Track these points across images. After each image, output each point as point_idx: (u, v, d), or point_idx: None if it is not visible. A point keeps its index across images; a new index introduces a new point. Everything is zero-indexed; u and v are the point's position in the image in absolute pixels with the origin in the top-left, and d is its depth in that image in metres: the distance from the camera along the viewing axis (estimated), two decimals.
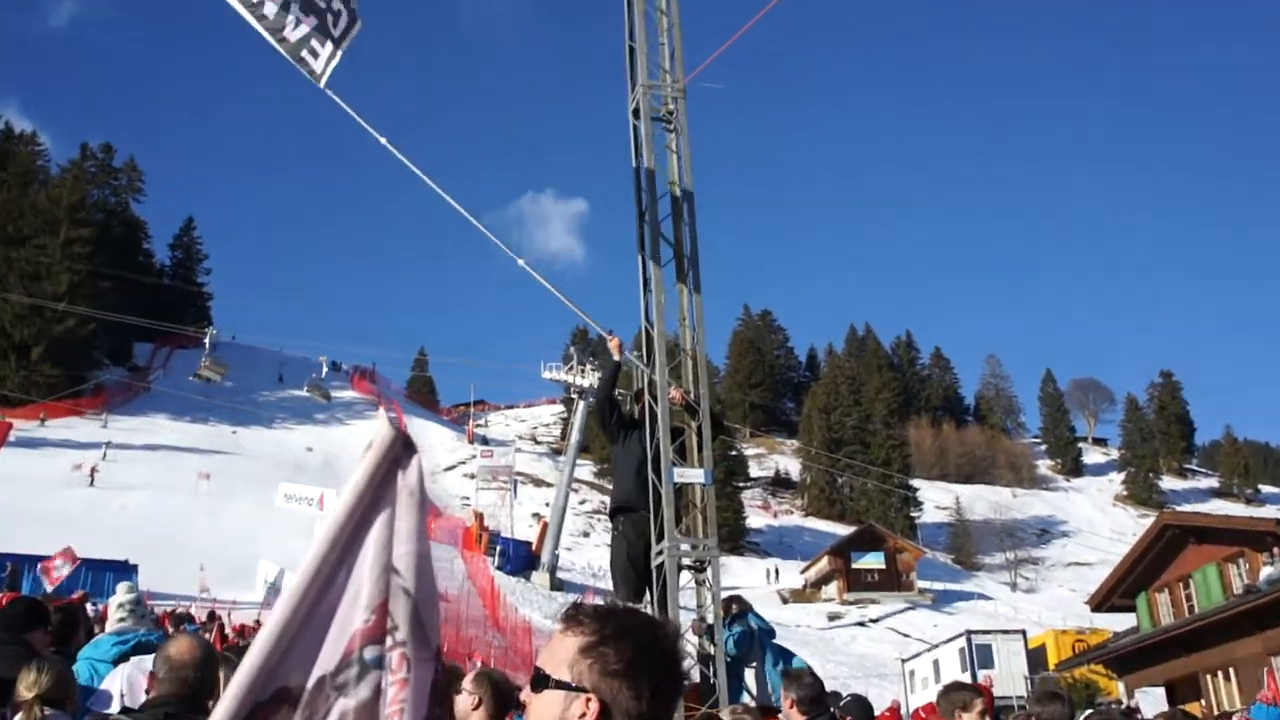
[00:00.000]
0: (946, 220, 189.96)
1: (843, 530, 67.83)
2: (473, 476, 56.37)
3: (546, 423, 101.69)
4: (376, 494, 0.92)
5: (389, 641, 0.87)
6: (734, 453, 74.36)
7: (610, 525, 6.39)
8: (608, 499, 7.48)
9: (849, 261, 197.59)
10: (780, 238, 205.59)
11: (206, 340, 52.67)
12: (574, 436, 44.62)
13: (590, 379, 46.13)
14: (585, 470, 71.99)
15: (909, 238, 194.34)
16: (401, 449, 0.94)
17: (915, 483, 79.34)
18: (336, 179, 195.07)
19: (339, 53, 4.98)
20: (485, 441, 67.39)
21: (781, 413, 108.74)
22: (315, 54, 4.91)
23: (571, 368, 47.14)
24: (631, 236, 6.72)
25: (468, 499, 56.42)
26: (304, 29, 4.90)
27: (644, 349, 6.53)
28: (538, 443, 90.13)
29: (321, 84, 4.96)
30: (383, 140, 5.34)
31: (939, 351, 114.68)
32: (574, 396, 47.44)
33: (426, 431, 74.42)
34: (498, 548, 41.08)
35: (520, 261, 6.19)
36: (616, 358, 6.47)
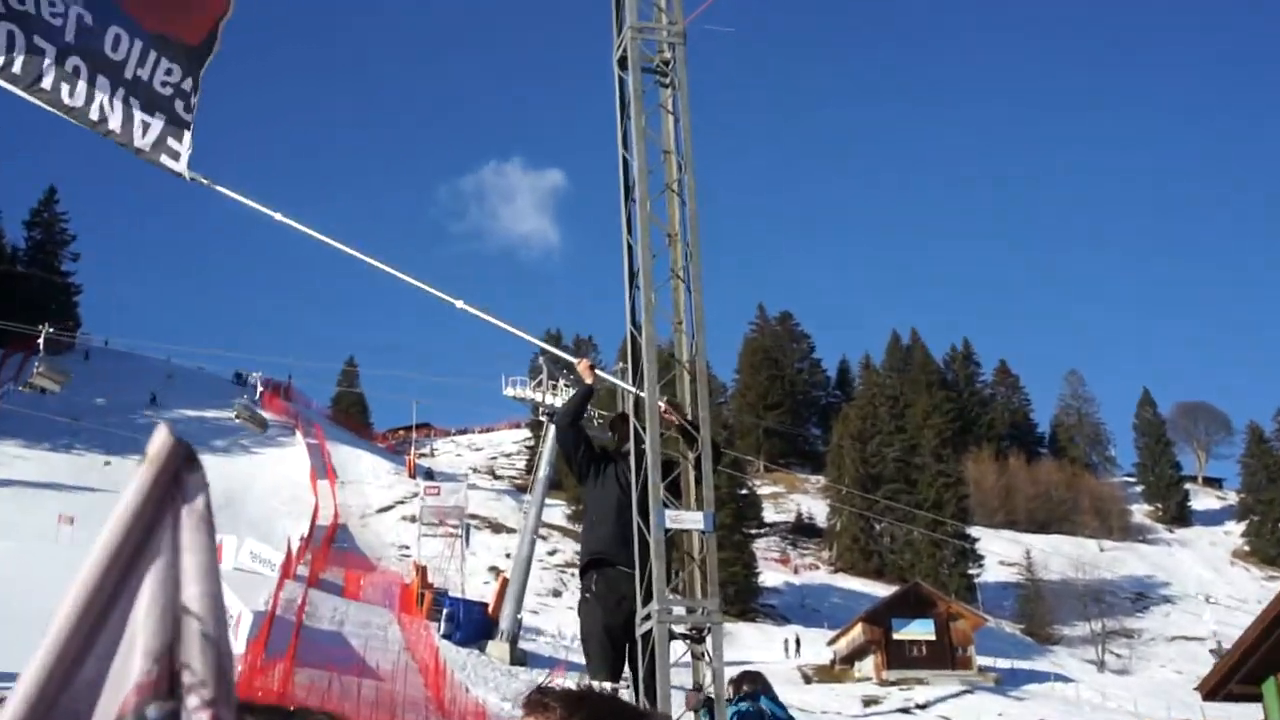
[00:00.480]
0: (1014, 202, 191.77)
1: (881, 590, 67.92)
2: (414, 520, 56.17)
3: (508, 452, 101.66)
4: (153, 519, 0.91)
5: (184, 697, 0.85)
6: (744, 491, 74.48)
7: (581, 585, 6.37)
8: (578, 549, 7.54)
9: (891, 252, 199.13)
10: (804, 221, 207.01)
11: (40, 340, 50.53)
12: (542, 469, 44.54)
13: (565, 397, 46.03)
14: (556, 512, 71.99)
15: (967, 225, 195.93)
16: (183, 463, 0.93)
17: (974, 531, 79.65)
18: (239, 136, 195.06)
19: (188, 133, 5.43)
20: (430, 475, 67.33)
21: (805, 441, 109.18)
22: (175, 155, 5.33)
23: (541, 382, 47.10)
24: (616, 217, 6.78)
25: (407, 548, 56.28)
26: (154, 132, 5.27)
27: (629, 359, 6.58)
28: (497, 477, 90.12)
29: (188, 179, 5.37)
30: (277, 216, 5.79)
31: (1004, 366, 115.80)
32: (543, 419, 47.37)
33: (356, 463, 74.39)
34: (445, 610, 40.87)
35: (459, 304, 6.48)
36: (588, 379, 6.56)
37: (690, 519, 5.94)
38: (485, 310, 6.57)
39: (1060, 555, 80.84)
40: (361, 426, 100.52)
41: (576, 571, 6.85)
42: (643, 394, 6.12)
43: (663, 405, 6.20)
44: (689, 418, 6.35)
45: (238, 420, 64.36)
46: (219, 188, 5.57)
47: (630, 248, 6.68)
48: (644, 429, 6.09)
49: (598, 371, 6.74)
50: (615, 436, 6.79)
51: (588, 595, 6.25)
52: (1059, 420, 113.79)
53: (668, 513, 5.88)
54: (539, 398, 46.87)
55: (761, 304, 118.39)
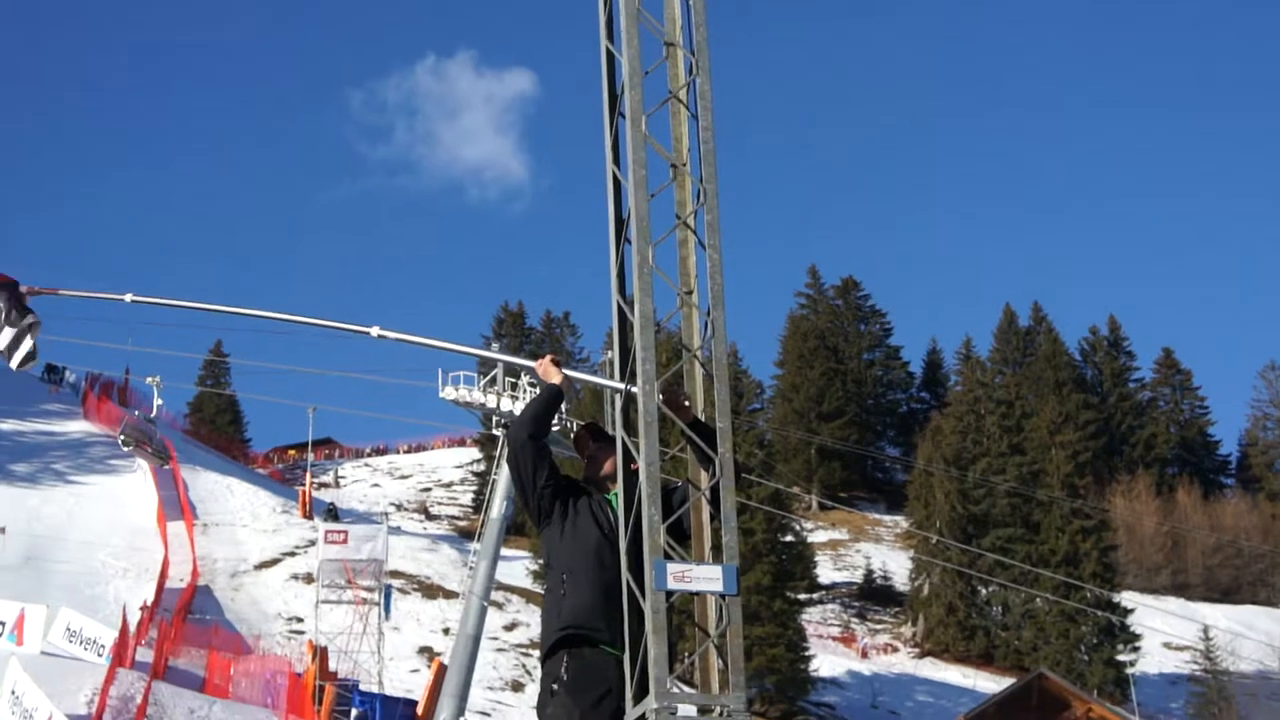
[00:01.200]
0: (1173, 125, 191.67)
1: (990, 683, 67.88)
2: (309, 580, 56.15)
3: (448, 481, 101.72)
4: None
5: None
6: (789, 538, 74.49)
7: (545, 672, 6.40)
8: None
9: (1002, 194, 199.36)
10: (870, 150, 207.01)
11: None
12: (497, 506, 44.52)
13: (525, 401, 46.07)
14: (518, 568, 72.07)
15: (1109, 160, 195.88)
16: None
17: (1126, 599, 79.68)
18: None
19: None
20: (334, 515, 67.37)
21: (876, 466, 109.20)
22: None
23: (495, 380, 47.06)
24: (600, 140, 6.80)
25: (300, 621, 56.20)
26: None
27: (615, 346, 6.61)
28: (431, 517, 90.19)
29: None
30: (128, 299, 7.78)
31: (1169, 357, 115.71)
32: (499, 433, 47.30)
33: (225, 496, 74.40)
34: (354, 712, 41.02)
35: (374, 332, 7.17)
36: (554, 379, 6.71)
37: (704, 577, 5.96)
38: (409, 334, 7.24)
39: (1255, 635, 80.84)
40: (234, 443, 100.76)
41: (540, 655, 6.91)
42: (635, 391, 6.14)
43: (660, 398, 6.18)
44: (701, 424, 6.36)
45: (126, 446, 63.67)
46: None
47: (618, 184, 6.69)
48: (637, 444, 6.11)
49: (569, 373, 6.79)
50: (586, 459, 6.83)
51: (556, 687, 6.26)
52: (1251, 437, 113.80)
53: (671, 567, 5.88)
54: (492, 402, 46.74)
55: (814, 267, 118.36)
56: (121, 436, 63.49)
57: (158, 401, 65.47)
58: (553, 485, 6.55)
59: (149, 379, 65.14)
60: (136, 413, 66.45)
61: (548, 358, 6.80)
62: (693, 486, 6.34)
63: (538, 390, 6.91)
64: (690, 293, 6.52)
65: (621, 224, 6.59)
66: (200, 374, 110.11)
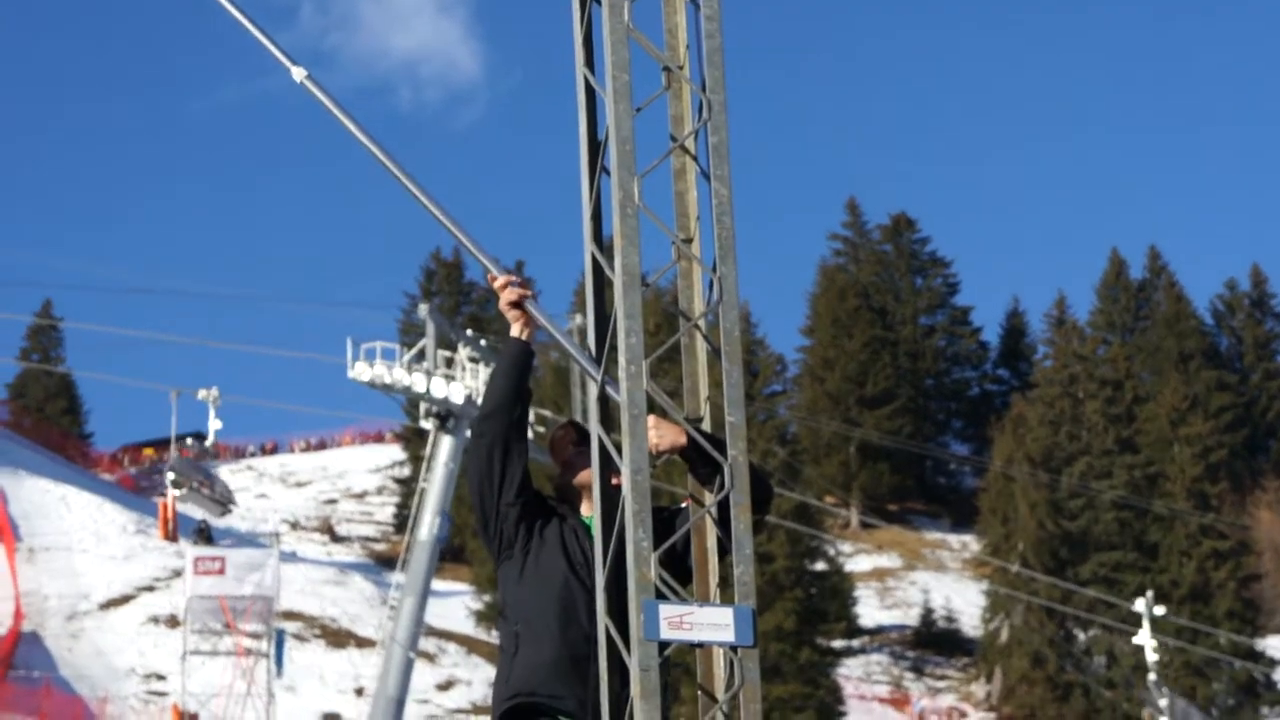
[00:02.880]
0: None
1: None
2: (174, 624, 56.12)
3: (360, 490, 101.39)
4: None
5: None
6: (821, 567, 74.70)
7: None
8: (491, 677, 7.64)
9: (1106, 102, 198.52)
10: (927, 45, 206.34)
11: None
12: (427, 525, 44.67)
13: (471, 382, 46.43)
14: (455, 608, 72.02)
15: (1254, 58, 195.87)
16: None
17: (1273, 645, 79.99)
18: None
19: None
20: (207, 537, 67.27)
21: (938, 469, 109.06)
22: None
23: (423, 353, 47.10)
24: (569, 34, 6.79)
25: (161, 679, 56.18)
26: None
27: (590, 310, 6.63)
28: (337, 539, 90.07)
29: None
30: None
31: None
32: (429, 425, 47.28)
33: (60, 510, 74.29)
34: None
35: (298, 74, 7.19)
36: (517, 331, 6.57)
37: (709, 622, 5.98)
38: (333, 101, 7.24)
39: None
40: (70, 439, 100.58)
41: None
42: (619, 376, 6.16)
43: (653, 422, 6.20)
44: (703, 421, 6.39)
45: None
46: None
47: (592, 93, 6.70)
48: (617, 444, 6.14)
49: (532, 310, 6.70)
50: (562, 467, 6.82)
51: None
52: None
53: (664, 609, 5.90)
54: (419, 384, 46.80)
55: (854, 201, 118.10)
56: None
57: None
58: (520, 504, 6.52)
59: None
60: None
61: (506, 278, 6.63)
62: (694, 502, 6.35)
63: (500, 358, 6.79)
64: (689, 240, 6.53)
65: (597, 148, 6.60)
66: (24, 345, 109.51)
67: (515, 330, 6.58)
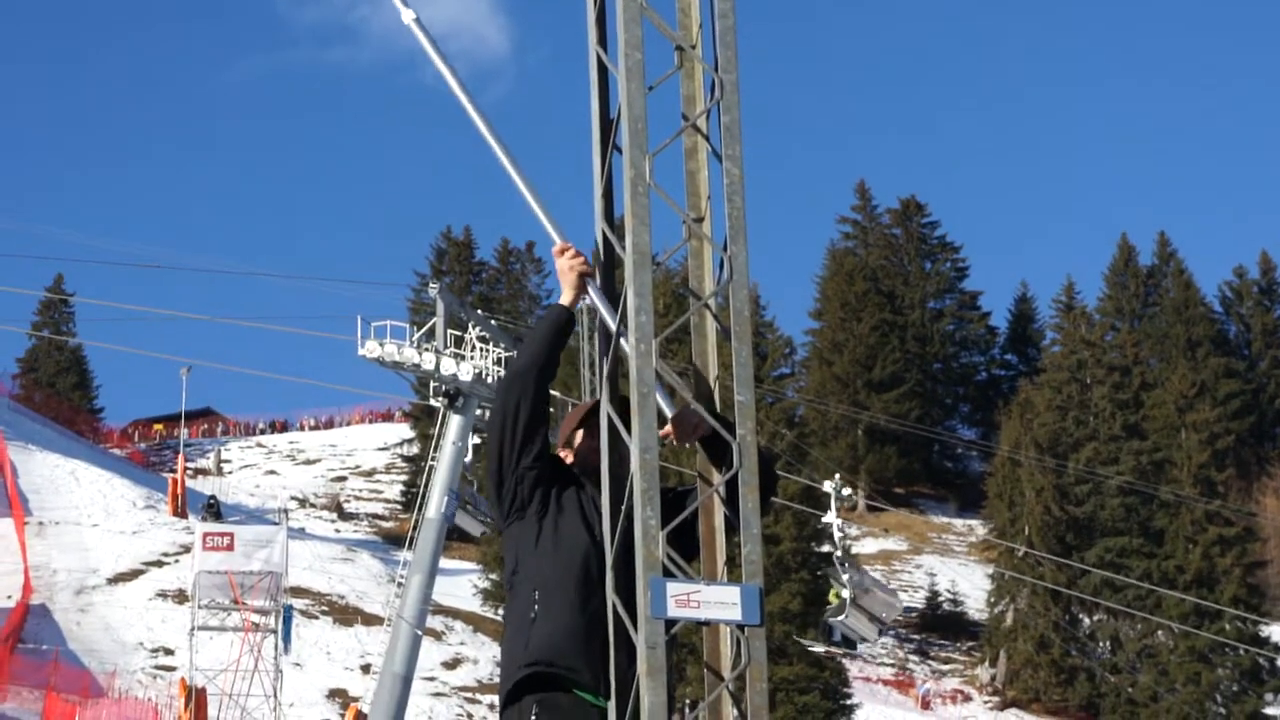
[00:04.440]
0: None
1: None
2: (182, 599, 56.17)
3: (366, 467, 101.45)
4: None
5: None
6: (827, 549, 74.58)
7: None
8: (498, 656, 7.64)
9: (1115, 83, 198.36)
10: (939, 29, 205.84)
11: None
12: (435, 503, 44.64)
13: (480, 361, 46.37)
14: (463, 585, 72.08)
15: (1268, 38, 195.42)
16: None
17: (1278, 631, 79.89)
18: None
19: None
20: (216, 512, 67.37)
21: (945, 453, 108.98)
22: None
23: (433, 332, 47.06)
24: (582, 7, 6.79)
25: (169, 654, 56.21)
26: None
27: (601, 291, 6.62)
28: (345, 517, 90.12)
29: None
30: None
31: None
32: (439, 404, 47.20)
33: (70, 484, 74.38)
34: None
35: (409, 18, 7.76)
36: (567, 300, 6.54)
37: (716, 600, 5.98)
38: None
39: None
40: (80, 414, 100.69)
41: (497, 701, 6.94)
42: (628, 353, 6.16)
43: (662, 370, 6.20)
44: (714, 403, 6.38)
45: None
46: None
47: (604, 71, 6.69)
48: (626, 422, 6.13)
49: (590, 284, 6.58)
50: (583, 444, 6.80)
51: None
52: None
53: (671, 587, 5.90)
54: (428, 362, 46.77)
55: (863, 184, 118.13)
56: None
57: None
58: (539, 466, 6.50)
59: None
60: None
61: (569, 251, 6.61)
62: (702, 480, 6.35)
63: (540, 323, 6.75)
64: (700, 220, 6.53)
65: (609, 126, 6.59)
66: (34, 319, 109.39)
67: (566, 298, 6.55)
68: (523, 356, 6.65)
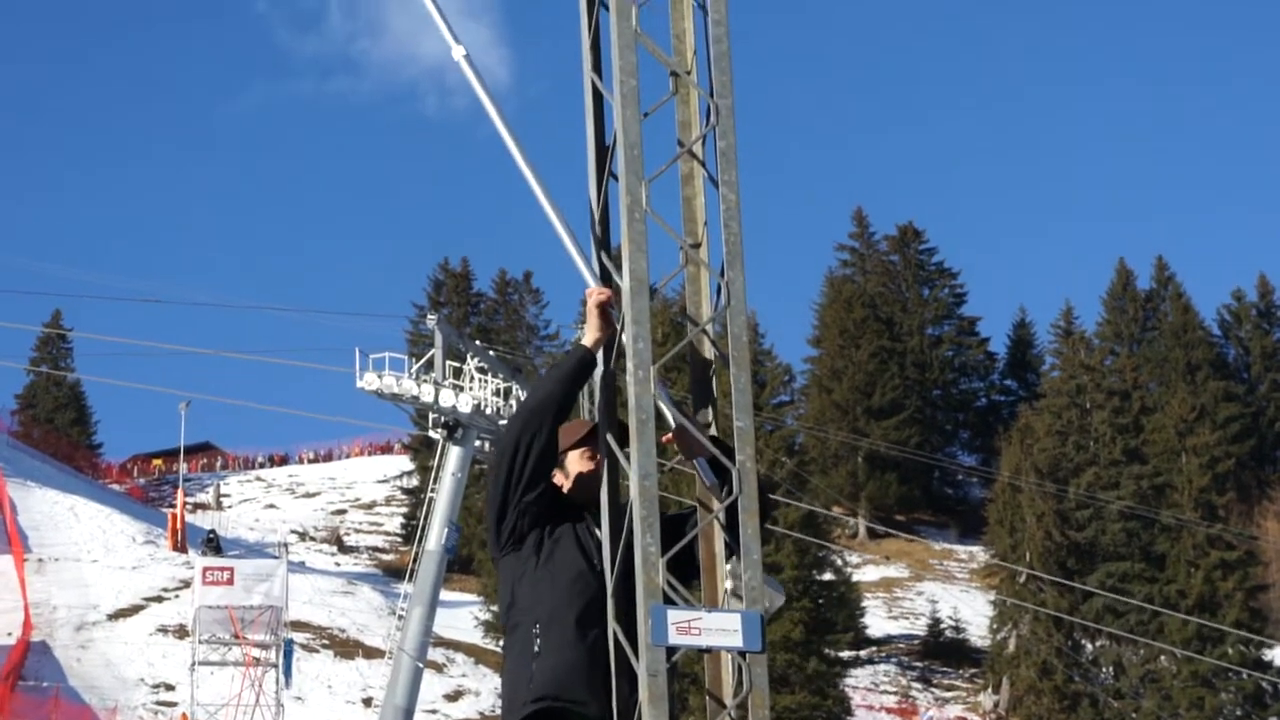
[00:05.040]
0: None
1: None
2: (182, 634, 56.06)
3: (366, 500, 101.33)
4: None
5: None
6: (827, 577, 74.59)
7: None
8: (499, 686, 7.62)
9: (1112, 108, 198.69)
10: (937, 52, 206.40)
11: None
12: (435, 534, 44.62)
13: (479, 392, 46.32)
14: (463, 616, 71.94)
15: (1270, 60, 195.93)
16: None
17: None
18: None
19: None
20: (216, 547, 67.39)
21: (945, 479, 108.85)
22: None
23: (432, 363, 47.06)
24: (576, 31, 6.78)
25: (170, 689, 56.09)
26: None
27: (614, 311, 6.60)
28: (346, 550, 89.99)
29: None
30: None
31: None
32: (438, 435, 47.18)
33: (69, 520, 74.25)
34: None
35: (460, 54, 7.85)
36: (590, 340, 6.47)
37: (717, 628, 5.96)
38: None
39: None
40: (79, 449, 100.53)
41: None
42: (628, 382, 6.13)
43: (662, 398, 6.17)
44: (712, 428, 6.36)
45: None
46: None
47: (599, 97, 6.68)
48: (624, 449, 6.10)
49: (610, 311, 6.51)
50: (589, 471, 6.76)
51: None
52: None
53: (672, 614, 5.90)
54: (428, 394, 46.75)
55: (861, 211, 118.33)
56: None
57: None
58: (541, 502, 6.50)
59: None
60: None
61: (599, 292, 6.54)
62: (701, 507, 6.33)
63: (566, 358, 6.74)
64: (697, 246, 6.52)
65: (604, 153, 6.58)
66: (33, 355, 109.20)
67: (589, 338, 6.50)
68: (539, 392, 6.63)
